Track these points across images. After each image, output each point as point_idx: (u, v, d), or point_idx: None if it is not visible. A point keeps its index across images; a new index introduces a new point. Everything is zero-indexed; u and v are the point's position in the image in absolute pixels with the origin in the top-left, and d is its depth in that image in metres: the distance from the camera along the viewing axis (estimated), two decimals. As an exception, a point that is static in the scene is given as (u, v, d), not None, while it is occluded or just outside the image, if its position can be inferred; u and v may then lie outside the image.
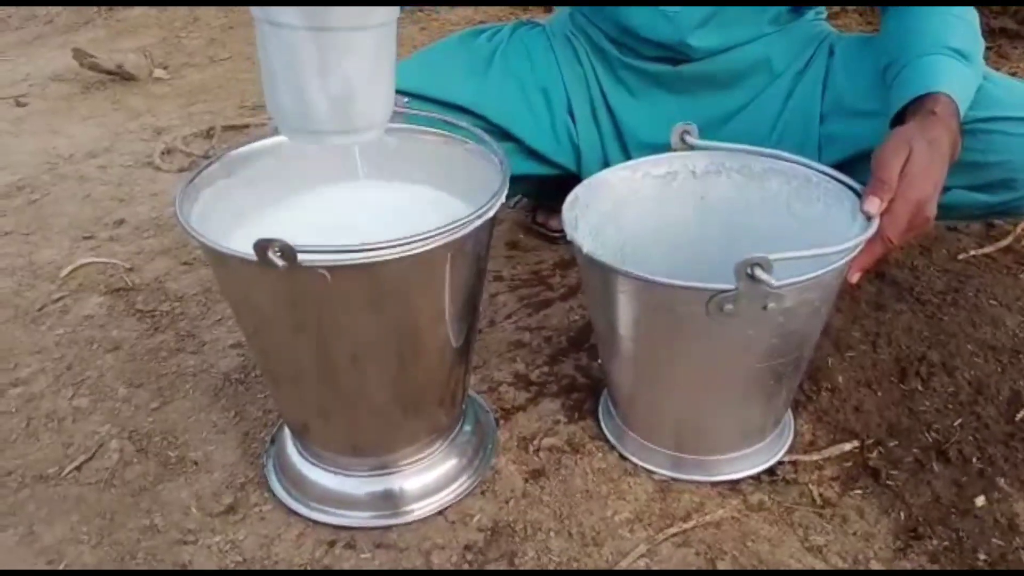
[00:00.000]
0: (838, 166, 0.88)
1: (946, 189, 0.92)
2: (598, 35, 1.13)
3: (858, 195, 0.81)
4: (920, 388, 1.01)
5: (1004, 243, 1.29)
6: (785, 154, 0.89)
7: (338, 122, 0.71)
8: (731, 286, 0.70)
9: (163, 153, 1.75)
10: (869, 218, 0.78)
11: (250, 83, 2.20)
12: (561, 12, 1.22)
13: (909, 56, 0.88)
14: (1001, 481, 0.87)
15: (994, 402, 0.98)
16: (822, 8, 1.14)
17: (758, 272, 0.68)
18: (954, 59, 0.86)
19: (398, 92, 0.95)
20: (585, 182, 0.89)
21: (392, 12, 0.71)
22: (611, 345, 0.87)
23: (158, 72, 2.26)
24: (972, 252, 1.27)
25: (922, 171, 0.78)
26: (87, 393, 1.05)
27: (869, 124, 0.95)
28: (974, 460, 0.90)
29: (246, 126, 1.90)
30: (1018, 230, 1.32)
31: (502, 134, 1.10)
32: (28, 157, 1.76)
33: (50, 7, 2.87)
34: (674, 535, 0.82)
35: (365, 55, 0.70)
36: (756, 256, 0.68)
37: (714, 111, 1.09)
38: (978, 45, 0.90)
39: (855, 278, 0.79)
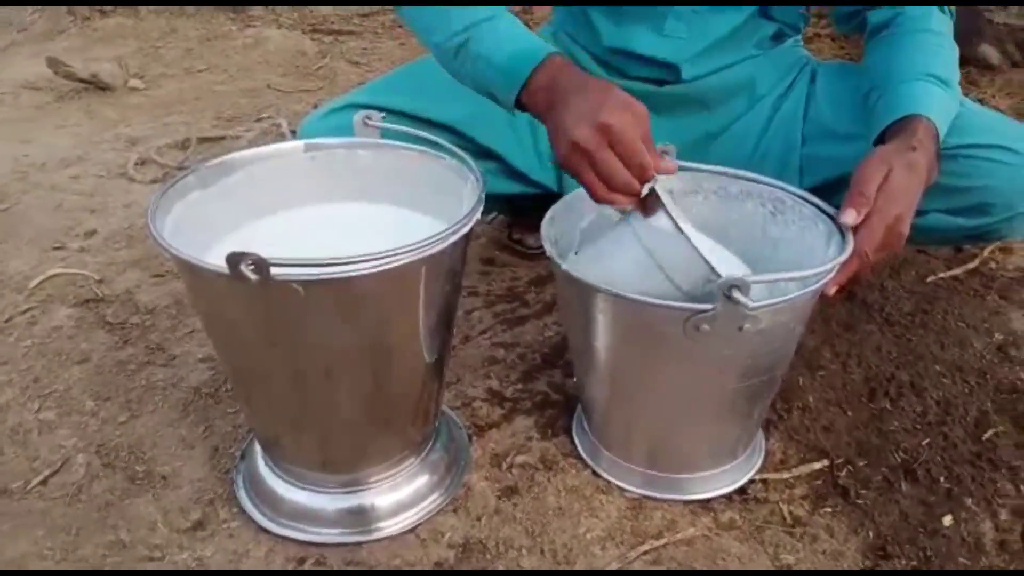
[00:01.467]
0: (818, 188, 0.89)
1: (924, 212, 0.94)
2: (582, 55, 1.14)
3: (832, 219, 0.82)
4: (889, 408, 1.02)
5: (971, 265, 1.31)
6: (762, 177, 0.90)
7: None
8: (709, 306, 0.71)
9: (137, 164, 1.73)
10: (843, 231, 0.79)
11: (226, 95, 2.19)
12: (543, 31, 1.23)
13: (892, 81, 0.91)
14: (968, 501, 0.89)
15: (961, 422, 0.99)
16: (799, 36, 1.16)
17: (735, 293, 0.69)
18: (935, 85, 0.89)
19: (375, 108, 0.95)
20: (564, 199, 0.90)
21: None
22: (587, 362, 0.87)
23: (133, 82, 2.24)
24: (940, 274, 1.29)
25: (900, 189, 0.80)
26: (54, 406, 1.03)
27: (849, 148, 0.97)
28: (942, 480, 0.91)
29: (222, 138, 1.89)
30: (985, 253, 1.34)
31: (484, 154, 1.10)
32: (-1, 165, 1.74)
33: (26, 14, 2.84)
34: (645, 553, 0.83)
35: None
36: (734, 278, 0.69)
37: (697, 131, 1.10)
38: (956, 73, 0.93)
39: (832, 291, 0.80)
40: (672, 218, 0.77)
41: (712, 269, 0.72)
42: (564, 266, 0.78)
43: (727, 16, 1.04)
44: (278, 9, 2.95)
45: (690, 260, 0.75)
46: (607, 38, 1.09)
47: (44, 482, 0.92)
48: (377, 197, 0.90)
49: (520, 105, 0.87)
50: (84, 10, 2.72)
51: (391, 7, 2.94)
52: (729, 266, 0.76)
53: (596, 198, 0.79)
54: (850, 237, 0.79)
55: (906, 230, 0.81)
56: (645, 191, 0.79)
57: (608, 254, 0.83)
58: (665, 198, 0.78)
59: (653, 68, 1.08)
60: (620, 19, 1.07)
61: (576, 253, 0.87)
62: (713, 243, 0.80)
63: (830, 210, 0.83)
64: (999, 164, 0.93)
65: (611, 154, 0.77)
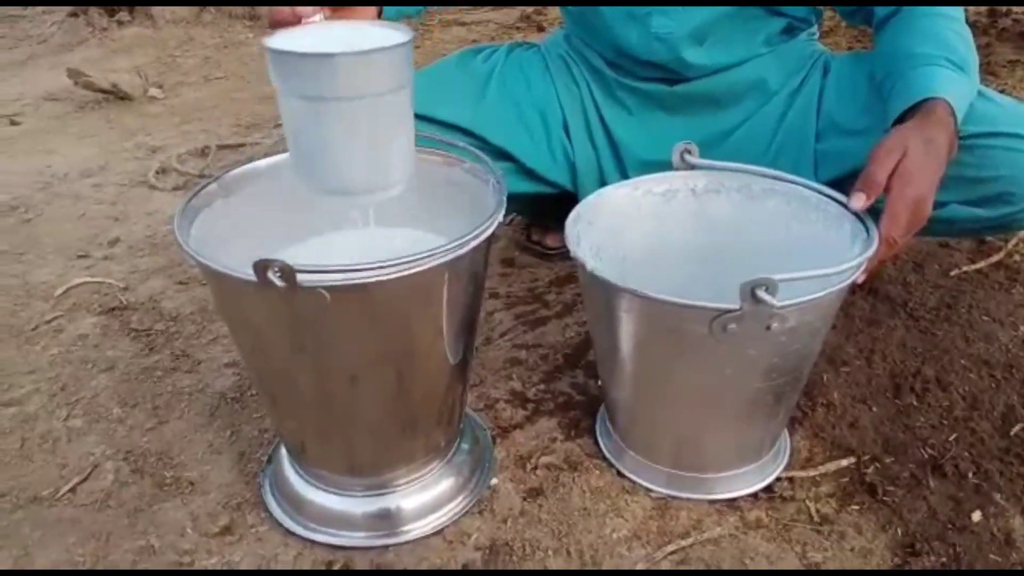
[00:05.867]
0: (835, 183, 0.89)
1: (944, 204, 0.93)
2: (595, 57, 1.14)
3: (858, 216, 0.81)
4: (915, 403, 1.01)
5: (996, 258, 1.30)
6: (786, 175, 0.90)
7: (367, 182, 0.73)
8: (735, 306, 0.71)
9: (158, 172, 1.75)
10: (865, 220, 0.79)
11: (245, 102, 2.21)
12: (556, 34, 1.23)
13: (907, 67, 0.90)
14: (997, 496, 0.88)
15: (988, 417, 0.98)
16: (814, 29, 1.15)
17: (762, 293, 0.69)
18: (951, 69, 0.88)
19: None
20: (587, 199, 0.90)
21: (406, 78, 0.71)
22: (612, 362, 0.87)
23: (153, 91, 2.27)
24: (964, 268, 1.28)
25: (918, 169, 0.79)
26: (81, 413, 1.05)
27: (864, 142, 0.96)
28: (970, 475, 0.90)
29: (241, 145, 1.91)
30: (1009, 245, 1.33)
31: (499, 154, 1.11)
32: (22, 176, 1.76)
33: (45, 26, 2.88)
34: (672, 553, 0.82)
35: (389, 118, 0.72)
36: (761, 277, 0.68)
37: (710, 130, 1.10)
38: (974, 59, 0.92)
39: (862, 279, 0.79)
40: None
41: (288, 55, 0.67)
42: (589, 267, 0.78)
43: (713, 8, 1.03)
44: (293, 15, 2.96)
45: (286, 63, 0.69)
46: (608, 44, 1.09)
47: (73, 489, 0.93)
48: (398, 198, 0.90)
49: None
50: (102, 20, 2.75)
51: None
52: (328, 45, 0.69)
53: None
54: (872, 226, 0.78)
55: (929, 209, 0.80)
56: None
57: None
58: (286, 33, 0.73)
59: (656, 69, 1.08)
60: (612, 24, 1.07)
61: None
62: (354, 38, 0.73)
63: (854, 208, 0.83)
64: (1019, 153, 0.92)
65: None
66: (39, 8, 3.10)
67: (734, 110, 1.11)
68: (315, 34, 0.74)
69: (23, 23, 3.04)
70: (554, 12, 2.87)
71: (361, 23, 0.80)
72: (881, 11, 1.00)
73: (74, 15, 2.82)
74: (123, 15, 2.77)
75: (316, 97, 0.68)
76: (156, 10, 2.75)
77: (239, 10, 2.89)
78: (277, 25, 0.78)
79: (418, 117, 1.05)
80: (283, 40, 0.70)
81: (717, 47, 1.06)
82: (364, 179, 0.73)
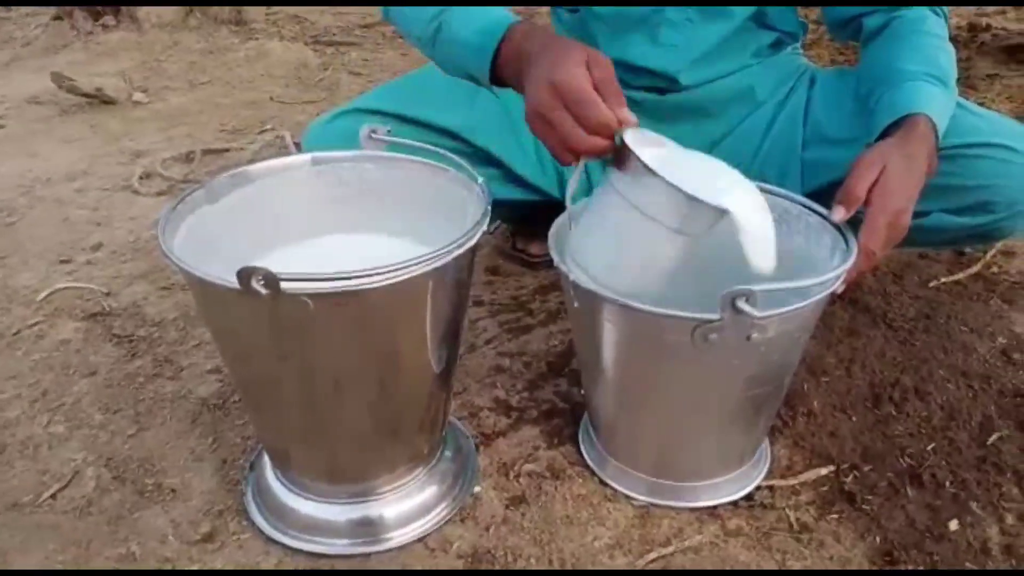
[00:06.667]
0: (820, 192, 0.90)
1: (926, 213, 0.94)
2: None
3: (838, 229, 0.82)
4: (894, 413, 1.02)
5: (974, 270, 1.32)
6: (767, 186, 0.91)
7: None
8: (716, 316, 0.71)
9: (141, 177, 1.75)
10: (845, 232, 0.80)
11: (230, 107, 2.21)
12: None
13: (890, 83, 0.92)
14: (974, 505, 0.89)
15: (966, 427, 1.00)
16: (799, 43, 1.17)
17: (743, 304, 0.70)
18: (933, 85, 0.90)
19: (379, 113, 0.95)
20: (572, 207, 0.90)
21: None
22: (594, 371, 0.87)
23: (137, 95, 2.26)
24: (943, 279, 1.29)
25: (897, 183, 0.80)
26: (63, 419, 1.04)
27: (849, 152, 0.98)
28: (947, 484, 0.91)
29: (226, 150, 1.91)
30: (987, 257, 1.35)
31: (487, 159, 1.11)
32: (5, 180, 1.75)
33: (30, 29, 2.86)
34: (654, 561, 0.83)
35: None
36: (741, 288, 0.69)
37: (698, 139, 1.11)
38: (954, 73, 0.94)
39: (841, 290, 0.80)
40: (640, 160, 0.70)
41: (691, 198, 0.68)
42: (572, 276, 0.79)
43: (720, 24, 1.06)
44: (280, 21, 2.97)
45: (675, 199, 0.70)
46: (605, 50, 1.10)
47: (54, 496, 0.92)
48: (383, 206, 0.91)
49: (498, 81, 0.85)
50: (87, 24, 2.74)
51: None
52: (715, 191, 0.70)
53: (560, 161, 0.76)
54: (851, 238, 0.80)
55: (907, 222, 0.82)
56: (619, 140, 0.72)
57: (598, 222, 0.79)
58: (633, 140, 0.72)
59: (652, 78, 1.09)
60: (616, 30, 1.08)
61: (570, 229, 0.84)
62: (704, 171, 0.75)
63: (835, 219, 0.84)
64: (1000, 162, 0.94)
65: (565, 114, 0.73)
66: (23, 10, 3.09)
67: (722, 119, 1.13)
68: (662, 158, 0.72)
69: (7, 25, 3.02)
70: (544, 19, 2.88)
71: (679, 150, 0.80)
72: (869, 26, 1.01)
73: (58, 18, 2.80)
74: (108, 19, 2.75)
75: (675, 229, 0.73)
76: (141, 14, 2.74)
77: (225, 15, 2.88)
78: (589, 152, 0.74)
79: (407, 120, 1.07)
80: (650, 159, 0.70)
81: (712, 62, 1.07)
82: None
